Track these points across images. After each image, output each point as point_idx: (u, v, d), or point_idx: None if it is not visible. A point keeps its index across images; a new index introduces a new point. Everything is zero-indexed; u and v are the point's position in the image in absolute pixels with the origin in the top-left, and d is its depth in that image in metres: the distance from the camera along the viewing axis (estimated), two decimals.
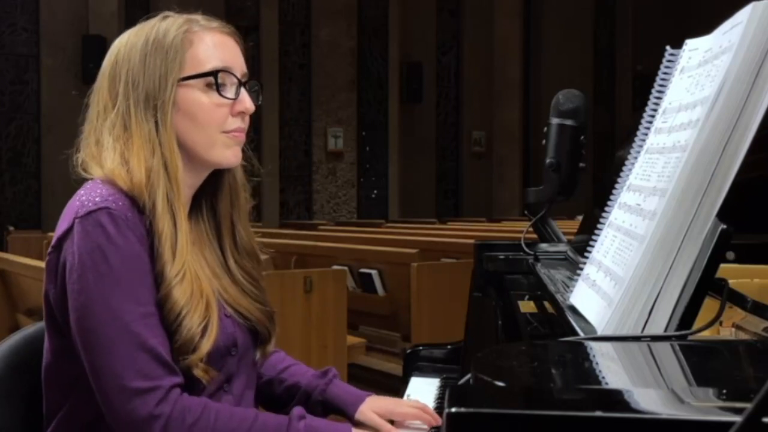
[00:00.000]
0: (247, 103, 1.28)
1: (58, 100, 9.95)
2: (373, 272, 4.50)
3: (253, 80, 1.31)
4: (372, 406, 1.34)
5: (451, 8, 13.27)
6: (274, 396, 1.43)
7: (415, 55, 12.65)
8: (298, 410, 1.23)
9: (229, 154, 1.27)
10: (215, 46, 1.27)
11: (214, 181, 1.34)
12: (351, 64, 11.82)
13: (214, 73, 1.25)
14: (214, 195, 1.35)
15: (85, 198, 1.18)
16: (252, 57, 10.25)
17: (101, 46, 9.75)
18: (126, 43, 1.27)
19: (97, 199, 1.17)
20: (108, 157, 1.23)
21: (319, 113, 11.64)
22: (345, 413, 1.36)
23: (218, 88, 1.25)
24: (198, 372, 1.19)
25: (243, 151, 1.32)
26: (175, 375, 1.16)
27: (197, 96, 1.25)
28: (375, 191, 12.24)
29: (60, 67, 9.99)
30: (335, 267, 4.25)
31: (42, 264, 3.84)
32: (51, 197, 9.71)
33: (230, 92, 1.27)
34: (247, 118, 1.30)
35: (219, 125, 1.26)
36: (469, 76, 13.38)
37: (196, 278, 1.22)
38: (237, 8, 10.78)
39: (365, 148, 12.15)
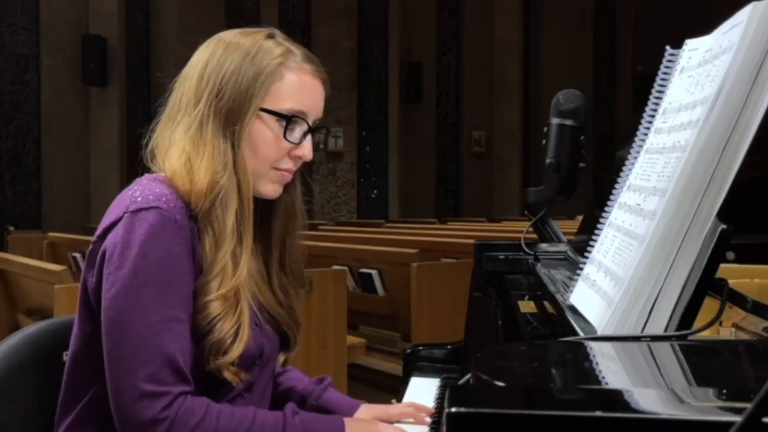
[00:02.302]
0: (306, 150, 1.32)
1: (58, 100, 9.96)
2: (373, 272, 4.49)
3: (323, 126, 1.35)
4: (366, 413, 1.40)
5: (451, 8, 13.27)
6: (270, 398, 1.45)
7: (415, 55, 12.65)
8: (291, 406, 1.26)
9: (270, 188, 1.31)
10: (301, 88, 1.30)
11: (269, 203, 1.37)
12: (351, 64, 11.82)
13: (287, 117, 1.28)
14: (269, 216, 1.38)
15: (139, 193, 1.20)
16: None
17: (101, 46, 9.76)
18: (225, 47, 1.29)
19: (150, 197, 1.19)
20: (175, 154, 1.25)
21: None
22: None
23: (286, 131, 1.28)
24: (228, 375, 1.21)
25: (301, 189, 1.39)
26: (185, 383, 1.18)
27: (265, 130, 1.28)
28: (375, 191, 12.24)
29: (60, 67, 9.99)
30: (335, 267, 4.24)
31: (42, 264, 3.84)
32: (51, 197, 9.69)
33: (296, 137, 1.30)
34: (300, 162, 1.33)
35: (273, 161, 1.29)
36: (469, 76, 13.37)
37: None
38: (237, 8, 10.77)
39: (365, 148, 12.14)
